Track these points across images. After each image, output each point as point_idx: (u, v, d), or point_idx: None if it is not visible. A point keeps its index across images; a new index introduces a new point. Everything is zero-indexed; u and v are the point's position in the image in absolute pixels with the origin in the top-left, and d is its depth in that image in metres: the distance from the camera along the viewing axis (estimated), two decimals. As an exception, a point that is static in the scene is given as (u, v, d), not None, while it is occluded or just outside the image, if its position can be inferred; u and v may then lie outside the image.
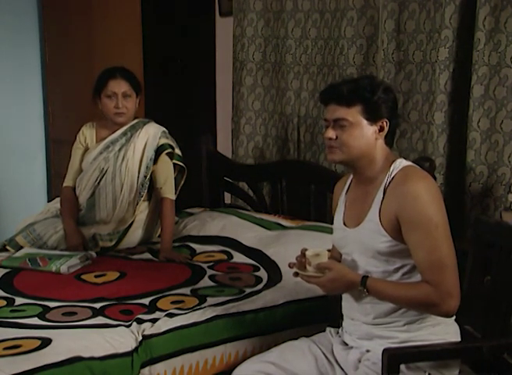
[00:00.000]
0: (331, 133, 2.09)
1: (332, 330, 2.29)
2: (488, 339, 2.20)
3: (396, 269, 2.07)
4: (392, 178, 2.07)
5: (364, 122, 2.07)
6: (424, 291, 1.99)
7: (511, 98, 2.90)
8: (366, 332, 2.13)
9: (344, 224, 2.20)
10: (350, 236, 2.15)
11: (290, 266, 2.16)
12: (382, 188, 2.08)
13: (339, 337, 2.25)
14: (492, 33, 2.91)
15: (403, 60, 3.28)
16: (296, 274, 2.14)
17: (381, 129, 2.10)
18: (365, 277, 2.04)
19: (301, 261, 2.13)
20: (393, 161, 2.12)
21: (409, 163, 2.13)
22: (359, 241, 2.12)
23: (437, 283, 1.97)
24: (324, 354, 2.22)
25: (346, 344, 2.20)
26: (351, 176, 2.25)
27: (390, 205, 2.04)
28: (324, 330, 2.31)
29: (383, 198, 2.07)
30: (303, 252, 2.14)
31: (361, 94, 2.06)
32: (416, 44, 3.21)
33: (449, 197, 3.09)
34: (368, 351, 2.12)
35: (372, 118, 2.08)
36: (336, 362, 2.20)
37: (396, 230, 2.03)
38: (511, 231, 2.26)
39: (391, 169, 2.09)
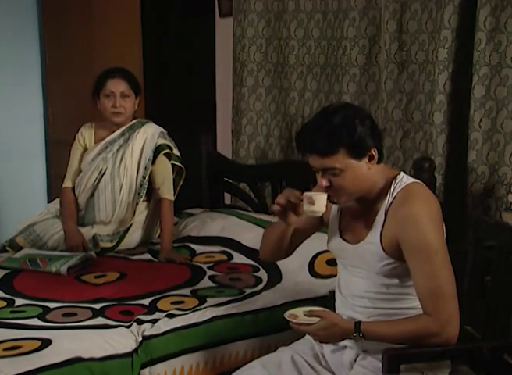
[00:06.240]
0: (324, 182, 2.01)
1: None
2: (488, 339, 2.19)
3: (399, 282, 2.05)
4: (394, 198, 2.02)
5: (353, 162, 1.98)
6: (422, 322, 1.96)
7: (512, 98, 2.90)
8: None
9: (340, 235, 2.15)
10: (350, 251, 2.11)
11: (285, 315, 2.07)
12: (383, 209, 2.03)
13: None
14: (493, 34, 2.90)
15: (406, 60, 3.27)
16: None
17: (371, 158, 2.01)
18: (358, 323, 1.98)
19: None
20: (394, 177, 2.06)
21: (411, 180, 2.06)
22: (360, 258, 2.08)
23: (437, 311, 1.94)
24: (307, 362, 2.17)
25: (337, 345, 2.15)
26: None
27: (391, 229, 2.00)
28: (301, 337, 2.26)
29: (384, 220, 2.03)
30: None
31: (340, 139, 1.95)
32: (418, 44, 3.21)
33: (449, 197, 3.09)
34: (364, 350, 2.10)
35: (360, 155, 1.99)
36: (321, 365, 2.16)
37: (398, 252, 2.00)
38: (511, 232, 2.26)
39: (392, 188, 2.04)
